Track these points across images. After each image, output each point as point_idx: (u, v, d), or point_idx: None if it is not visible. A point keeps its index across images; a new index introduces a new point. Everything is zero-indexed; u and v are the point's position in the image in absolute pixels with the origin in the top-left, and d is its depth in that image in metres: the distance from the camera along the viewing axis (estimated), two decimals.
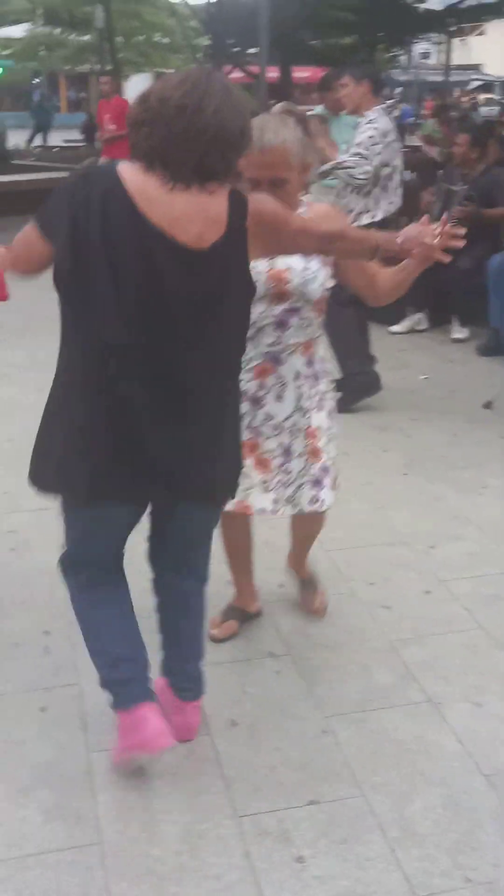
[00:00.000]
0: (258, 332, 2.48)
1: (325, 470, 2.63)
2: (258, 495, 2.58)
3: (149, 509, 2.24)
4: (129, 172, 1.89)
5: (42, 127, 22.94)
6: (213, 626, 2.82)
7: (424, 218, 2.18)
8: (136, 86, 15.78)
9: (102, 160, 9.67)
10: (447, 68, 23.12)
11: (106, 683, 2.23)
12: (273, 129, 2.35)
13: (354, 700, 2.56)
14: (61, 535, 2.25)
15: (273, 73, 12.74)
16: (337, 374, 4.38)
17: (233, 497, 2.32)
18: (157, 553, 2.34)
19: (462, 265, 5.23)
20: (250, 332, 2.41)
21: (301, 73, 19.95)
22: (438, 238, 2.13)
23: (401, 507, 3.77)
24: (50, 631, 2.83)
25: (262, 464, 2.58)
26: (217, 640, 2.79)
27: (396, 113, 14.06)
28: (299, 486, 2.61)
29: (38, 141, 22.38)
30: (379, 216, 4.77)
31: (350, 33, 15.76)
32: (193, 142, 1.80)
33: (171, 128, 1.79)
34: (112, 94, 10.32)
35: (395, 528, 3.58)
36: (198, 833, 2.10)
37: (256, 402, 2.56)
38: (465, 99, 23.78)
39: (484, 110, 22.00)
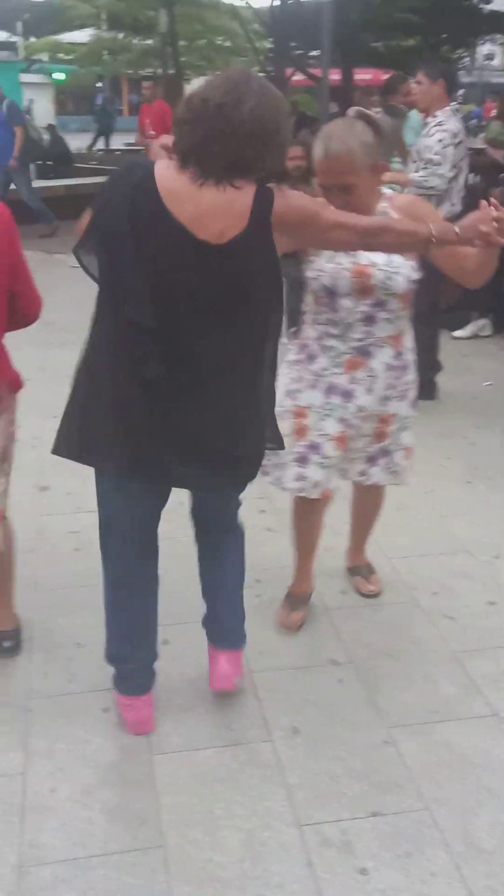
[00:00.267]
0: (347, 328, 2.50)
1: (384, 452, 2.69)
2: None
3: None
4: (163, 169, 1.96)
5: (104, 130, 23.27)
6: (283, 619, 2.88)
7: (482, 203, 2.13)
8: None
9: None
10: None
11: (110, 661, 2.44)
12: (339, 136, 2.36)
13: (417, 711, 2.53)
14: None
15: (334, 76, 12.69)
16: None
17: (253, 477, 2.32)
18: (192, 512, 2.49)
19: None
20: (338, 329, 2.45)
21: (362, 76, 19.85)
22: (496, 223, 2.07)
23: (464, 515, 3.72)
24: None
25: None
26: (292, 630, 2.86)
27: (462, 115, 13.89)
28: (352, 461, 2.69)
29: (100, 144, 22.68)
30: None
31: (413, 35, 15.64)
32: (230, 138, 1.87)
33: (210, 125, 1.87)
34: (154, 98, 10.35)
35: (458, 537, 3.53)
36: (260, 840, 2.10)
37: (348, 395, 2.58)
38: None
39: None
